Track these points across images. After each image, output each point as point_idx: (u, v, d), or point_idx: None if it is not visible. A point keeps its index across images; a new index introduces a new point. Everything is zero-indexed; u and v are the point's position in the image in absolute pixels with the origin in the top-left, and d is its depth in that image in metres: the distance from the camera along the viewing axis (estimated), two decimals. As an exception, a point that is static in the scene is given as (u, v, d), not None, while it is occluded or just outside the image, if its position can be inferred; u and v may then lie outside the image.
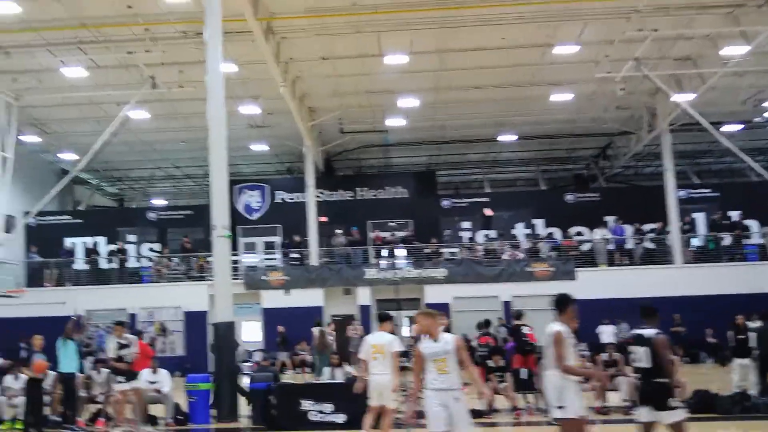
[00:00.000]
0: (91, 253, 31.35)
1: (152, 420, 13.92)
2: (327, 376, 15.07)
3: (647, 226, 29.43)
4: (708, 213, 30.88)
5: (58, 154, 32.72)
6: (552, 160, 36.93)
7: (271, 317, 27.15)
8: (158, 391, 14.16)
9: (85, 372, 15.88)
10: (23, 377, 14.01)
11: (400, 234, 30.82)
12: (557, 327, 7.38)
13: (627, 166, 35.80)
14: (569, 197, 32.66)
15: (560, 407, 7.23)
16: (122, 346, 13.07)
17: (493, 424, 13.17)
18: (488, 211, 31.95)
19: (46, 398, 14.04)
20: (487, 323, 17.73)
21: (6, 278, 24.31)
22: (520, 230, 31.82)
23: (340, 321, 26.29)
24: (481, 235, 31.64)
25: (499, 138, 32.67)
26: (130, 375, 13.12)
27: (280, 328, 26.03)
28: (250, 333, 28.65)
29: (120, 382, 13.10)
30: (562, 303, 7.56)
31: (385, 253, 29.72)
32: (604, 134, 32.88)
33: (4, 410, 14.36)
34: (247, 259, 31.04)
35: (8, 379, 14.70)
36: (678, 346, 17.44)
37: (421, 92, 26.54)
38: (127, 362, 13.08)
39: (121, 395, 13.25)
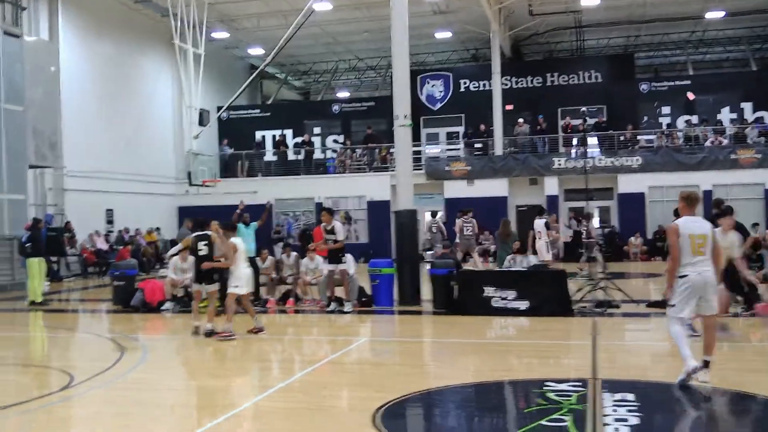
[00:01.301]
0: (280, 145, 32.24)
1: (338, 301, 14.09)
2: (508, 264, 14.53)
3: None
4: None
5: (247, 50, 33.56)
6: (765, 37, 33.45)
7: (454, 207, 26.73)
8: (344, 275, 14.26)
9: (276, 256, 16.74)
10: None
11: (592, 121, 29.01)
12: None
13: None
14: (784, 78, 29.65)
15: None
16: (328, 232, 13.57)
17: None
18: (691, 95, 29.80)
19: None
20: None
21: (202, 169, 25.41)
22: (725, 115, 29.51)
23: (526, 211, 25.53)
24: (681, 121, 29.53)
25: (707, 15, 29.77)
26: (334, 258, 13.63)
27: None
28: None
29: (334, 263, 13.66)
30: None
31: (575, 141, 28.19)
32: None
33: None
34: (430, 150, 30.67)
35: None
36: None
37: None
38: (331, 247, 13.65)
39: (329, 275, 13.78)
